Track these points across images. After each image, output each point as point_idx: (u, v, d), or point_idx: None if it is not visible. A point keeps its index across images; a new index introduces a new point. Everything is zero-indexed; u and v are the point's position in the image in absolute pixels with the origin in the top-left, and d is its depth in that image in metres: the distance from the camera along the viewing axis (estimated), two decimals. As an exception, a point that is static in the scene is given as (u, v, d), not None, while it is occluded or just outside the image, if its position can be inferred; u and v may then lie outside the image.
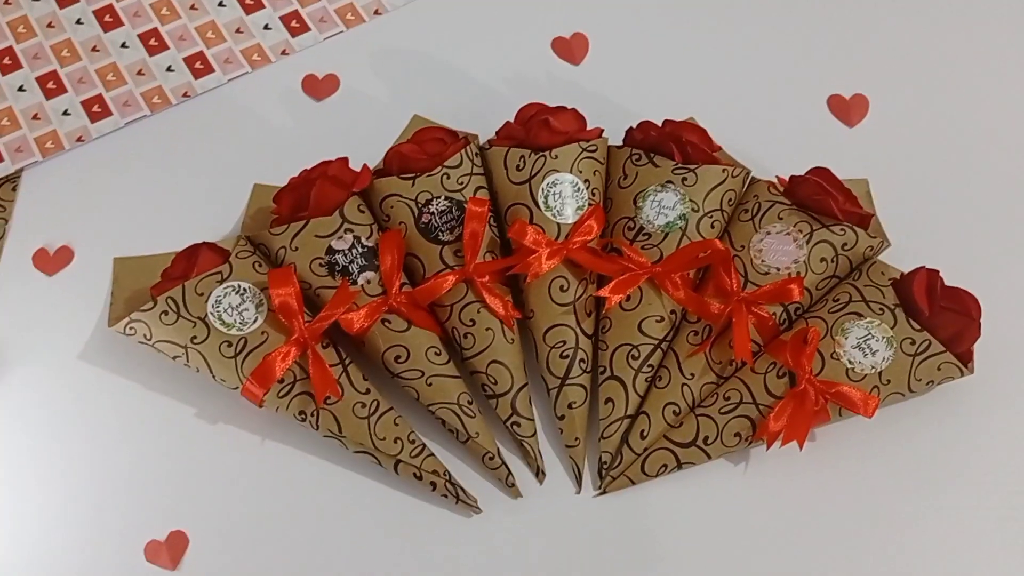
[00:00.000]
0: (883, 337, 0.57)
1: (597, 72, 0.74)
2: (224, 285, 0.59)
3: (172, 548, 0.57)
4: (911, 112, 0.72)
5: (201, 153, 0.70)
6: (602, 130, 0.65)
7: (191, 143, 0.70)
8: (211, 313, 0.58)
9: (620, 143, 0.66)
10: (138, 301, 0.61)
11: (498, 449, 0.59)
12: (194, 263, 0.59)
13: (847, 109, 0.72)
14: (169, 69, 0.72)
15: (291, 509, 0.59)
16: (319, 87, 0.72)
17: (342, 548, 0.58)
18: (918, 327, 0.57)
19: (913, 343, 0.57)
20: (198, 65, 0.72)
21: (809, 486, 0.59)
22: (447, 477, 0.58)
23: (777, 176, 0.65)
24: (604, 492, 0.59)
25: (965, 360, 0.58)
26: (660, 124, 0.64)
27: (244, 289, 0.59)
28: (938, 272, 0.58)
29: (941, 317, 0.57)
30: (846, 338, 0.58)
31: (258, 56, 0.73)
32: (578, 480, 0.59)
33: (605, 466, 0.59)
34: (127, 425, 0.61)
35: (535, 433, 0.60)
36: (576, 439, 0.59)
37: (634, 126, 0.65)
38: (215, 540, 0.58)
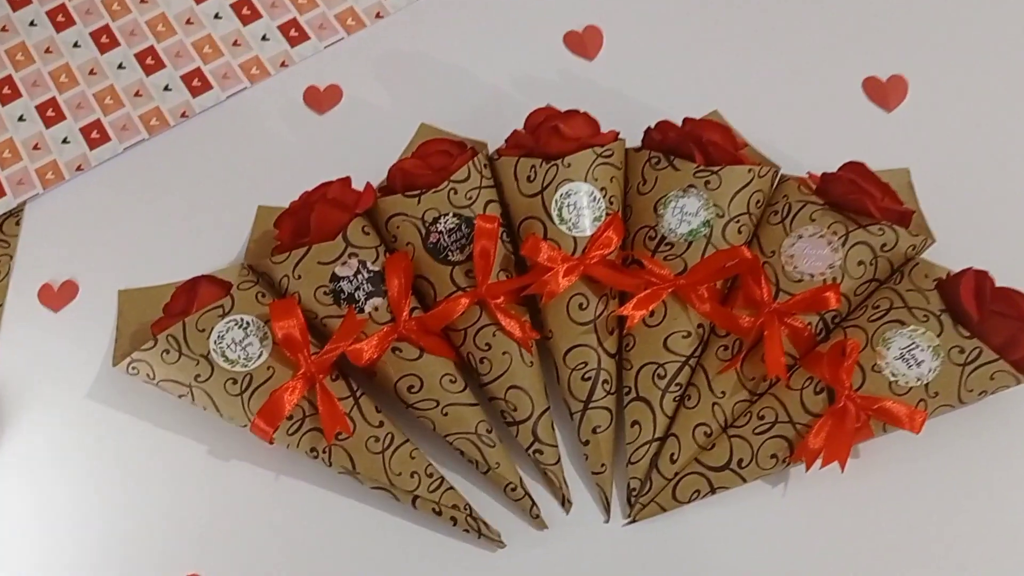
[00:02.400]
0: (929, 346, 0.53)
1: (613, 67, 0.70)
2: (226, 319, 0.56)
3: (188, 594, 0.56)
4: (954, 94, 0.67)
5: (203, 175, 0.67)
6: (617, 133, 0.61)
7: (192, 165, 0.68)
8: (214, 350, 0.56)
9: (639, 145, 0.62)
10: (144, 336, 0.59)
11: (520, 479, 0.56)
12: (194, 297, 0.57)
13: (884, 92, 0.67)
14: (166, 88, 0.70)
15: (308, 548, 0.57)
16: (321, 99, 0.69)
17: (362, 588, 0.56)
18: (967, 334, 0.53)
19: (962, 351, 0.53)
20: (196, 83, 0.70)
21: (854, 507, 0.55)
22: (468, 511, 0.55)
23: (808, 172, 0.60)
24: (634, 520, 0.56)
25: (1021, 367, 0.53)
26: (680, 122, 0.60)
27: (247, 323, 0.56)
28: (987, 273, 0.54)
29: (992, 322, 0.53)
30: (888, 348, 0.53)
31: (257, 69, 0.70)
32: (606, 509, 0.56)
33: (634, 493, 0.56)
34: (137, 466, 0.59)
35: (559, 460, 0.57)
36: (602, 465, 0.56)
37: (652, 126, 0.61)
38: (232, 584, 0.56)
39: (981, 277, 0.53)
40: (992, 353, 0.52)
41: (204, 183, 0.67)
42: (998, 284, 0.54)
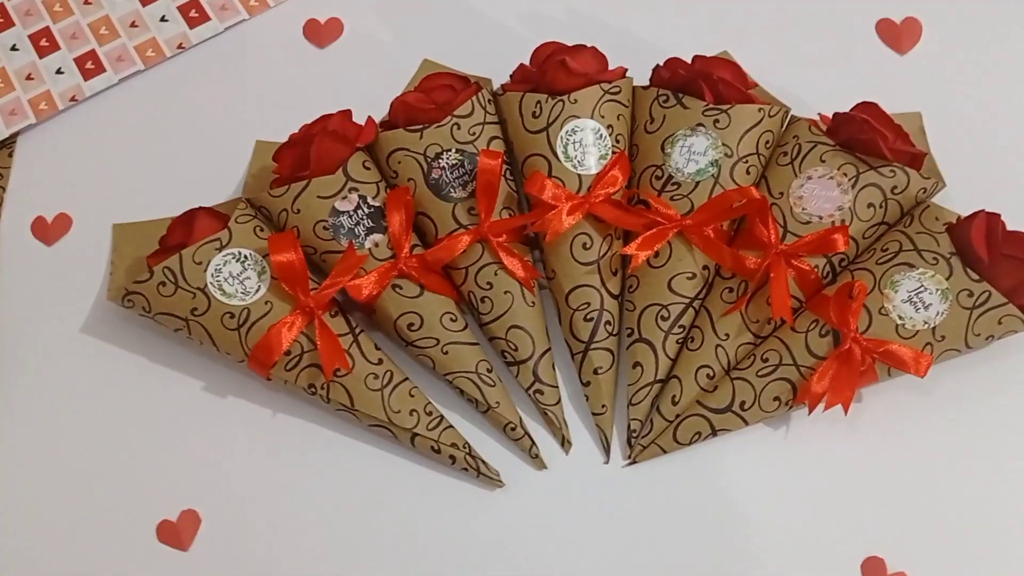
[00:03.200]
0: (937, 289, 0.52)
1: (622, 4, 0.68)
2: (224, 253, 0.55)
3: (184, 528, 0.55)
4: (969, 37, 0.65)
5: (199, 109, 0.66)
6: (626, 70, 0.59)
7: (188, 98, 0.66)
8: (211, 283, 0.55)
9: (647, 83, 0.60)
10: (140, 269, 0.58)
11: (520, 419, 0.56)
12: (191, 230, 0.56)
13: (898, 34, 0.65)
14: (163, 19, 0.68)
15: (305, 485, 0.56)
16: (322, 32, 0.68)
17: (358, 525, 0.55)
18: (976, 277, 0.52)
19: (971, 295, 0.52)
20: (193, 14, 0.68)
21: (856, 450, 0.55)
22: (467, 450, 0.55)
23: (819, 114, 0.59)
24: (634, 462, 0.55)
25: (1029, 312, 0.52)
26: (690, 60, 0.59)
27: (245, 256, 0.55)
28: (999, 216, 0.53)
29: (1002, 265, 0.52)
30: (896, 291, 0.53)
31: (256, 1, 0.68)
32: (606, 450, 0.56)
33: (634, 434, 0.55)
34: (133, 400, 0.58)
35: (559, 401, 0.56)
36: (603, 406, 0.56)
37: (661, 64, 0.60)
38: (228, 519, 0.56)
39: (993, 220, 0.53)
40: (1001, 297, 0.52)
41: (201, 117, 0.66)
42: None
